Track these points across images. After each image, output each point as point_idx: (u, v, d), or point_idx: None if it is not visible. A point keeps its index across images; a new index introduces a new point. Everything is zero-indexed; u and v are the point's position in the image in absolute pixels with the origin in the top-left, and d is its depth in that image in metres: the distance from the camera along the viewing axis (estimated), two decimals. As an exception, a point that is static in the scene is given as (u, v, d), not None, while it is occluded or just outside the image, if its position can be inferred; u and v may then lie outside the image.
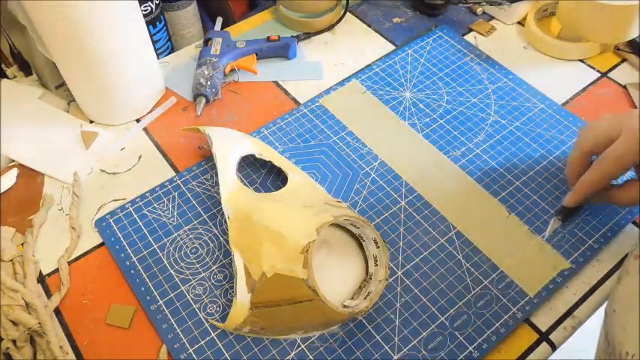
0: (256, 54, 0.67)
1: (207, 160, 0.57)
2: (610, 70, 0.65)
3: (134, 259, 0.50)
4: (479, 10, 0.72)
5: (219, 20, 0.72)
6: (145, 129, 0.61)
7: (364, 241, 0.48)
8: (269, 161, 0.55)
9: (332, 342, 0.45)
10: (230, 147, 0.54)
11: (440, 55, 0.67)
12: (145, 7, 0.65)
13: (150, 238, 0.51)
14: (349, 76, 0.65)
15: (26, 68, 0.65)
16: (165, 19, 0.70)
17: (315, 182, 0.55)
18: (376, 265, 0.47)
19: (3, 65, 0.65)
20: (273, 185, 0.55)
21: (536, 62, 0.67)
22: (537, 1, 0.70)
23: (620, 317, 0.37)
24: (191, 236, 0.52)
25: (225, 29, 0.71)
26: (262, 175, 0.56)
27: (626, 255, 0.47)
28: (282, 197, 0.51)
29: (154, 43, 0.68)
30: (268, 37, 0.67)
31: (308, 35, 0.70)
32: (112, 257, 0.51)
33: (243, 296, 0.44)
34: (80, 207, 0.55)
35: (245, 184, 0.54)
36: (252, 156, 0.54)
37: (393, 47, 0.69)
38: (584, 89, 0.63)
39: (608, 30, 0.64)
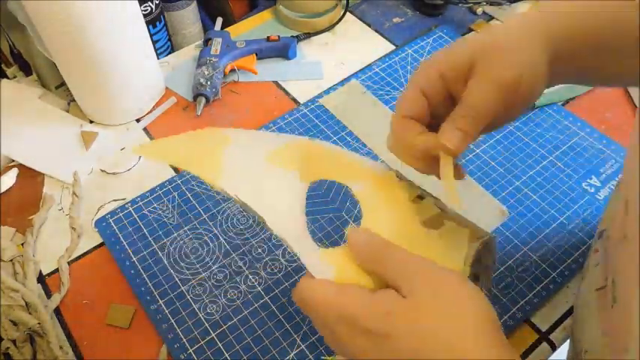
0: (256, 54, 0.67)
1: (207, 160, 0.57)
2: (610, 70, 0.65)
3: (134, 259, 0.50)
4: (479, 10, 0.72)
5: (219, 20, 0.72)
6: (145, 129, 0.61)
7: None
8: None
9: (332, 342, 0.45)
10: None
11: (440, 55, 0.67)
12: (144, 7, 0.65)
13: (150, 238, 0.51)
14: (349, 76, 0.65)
15: (26, 68, 0.65)
16: (165, 19, 0.70)
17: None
18: None
19: (3, 65, 0.65)
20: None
21: (536, 62, 0.66)
22: (537, 1, 0.70)
23: (578, 314, 0.37)
24: (191, 236, 0.52)
25: (225, 29, 0.71)
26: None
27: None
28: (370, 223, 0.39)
29: (154, 43, 0.68)
30: (268, 37, 0.67)
31: (308, 35, 0.69)
32: (112, 257, 0.51)
33: None
34: (80, 207, 0.55)
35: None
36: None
37: (393, 47, 0.69)
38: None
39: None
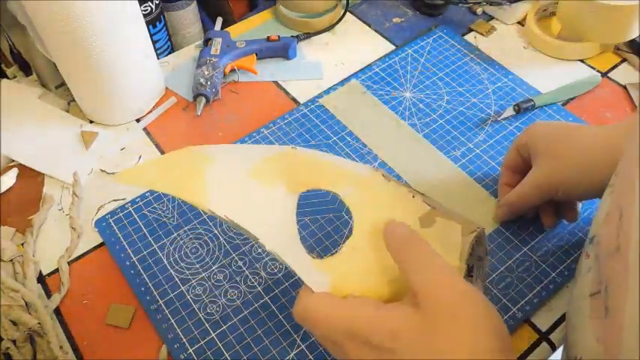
0: (256, 54, 0.67)
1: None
2: (610, 70, 0.65)
3: (134, 259, 0.50)
4: (479, 10, 0.72)
5: (219, 20, 0.72)
6: (144, 129, 0.61)
7: None
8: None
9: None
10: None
11: (440, 55, 0.67)
12: (144, 7, 0.65)
13: (150, 238, 0.51)
14: (349, 76, 0.65)
15: (26, 68, 0.65)
16: (165, 19, 0.70)
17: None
18: None
19: (3, 65, 0.65)
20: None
21: (536, 62, 0.66)
22: (537, 1, 0.70)
23: (572, 320, 0.37)
24: (191, 236, 0.52)
25: (225, 29, 0.71)
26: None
27: None
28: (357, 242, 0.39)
29: (154, 43, 0.68)
30: (268, 37, 0.67)
31: (308, 35, 0.69)
32: (112, 257, 0.51)
33: None
34: (80, 207, 0.55)
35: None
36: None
37: (393, 47, 0.69)
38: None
39: (608, 30, 0.63)
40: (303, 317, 0.35)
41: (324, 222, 0.52)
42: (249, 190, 0.41)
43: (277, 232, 0.39)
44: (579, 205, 0.50)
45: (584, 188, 0.44)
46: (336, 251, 0.38)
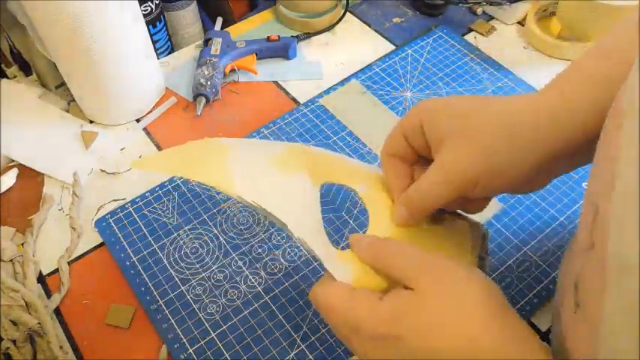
0: (256, 54, 0.67)
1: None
2: (610, 70, 0.65)
3: (134, 259, 0.50)
4: (479, 10, 0.72)
5: (219, 20, 0.72)
6: (144, 129, 0.61)
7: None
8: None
9: (332, 341, 0.45)
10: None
11: (440, 55, 0.67)
12: (144, 7, 0.65)
13: (150, 238, 0.51)
14: (349, 76, 0.65)
15: (26, 68, 0.65)
16: (165, 19, 0.70)
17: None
18: None
19: (3, 65, 0.65)
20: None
21: (536, 62, 0.66)
22: (537, 1, 0.70)
23: (553, 314, 0.37)
24: (191, 236, 0.52)
25: (225, 29, 0.71)
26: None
27: None
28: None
29: (154, 43, 0.68)
30: (268, 37, 0.67)
31: (308, 35, 0.69)
32: (112, 257, 0.51)
33: None
34: (80, 207, 0.55)
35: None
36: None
37: (393, 47, 0.69)
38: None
39: (608, 30, 0.63)
40: (317, 304, 0.35)
41: (324, 222, 0.52)
42: (273, 178, 0.40)
43: (304, 221, 0.39)
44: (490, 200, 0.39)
45: (510, 179, 0.33)
46: (344, 241, 0.38)
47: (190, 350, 0.45)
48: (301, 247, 0.47)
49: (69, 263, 0.51)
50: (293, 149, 0.43)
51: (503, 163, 0.32)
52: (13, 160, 0.58)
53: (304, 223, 0.38)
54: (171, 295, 0.48)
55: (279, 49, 0.67)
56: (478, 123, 0.33)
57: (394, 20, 0.73)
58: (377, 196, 0.41)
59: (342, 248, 0.42)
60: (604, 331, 0.22)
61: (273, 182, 0.40)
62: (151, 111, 0.63)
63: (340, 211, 0.53)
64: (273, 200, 0.38)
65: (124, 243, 0.51)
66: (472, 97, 0.36)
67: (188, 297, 0.48)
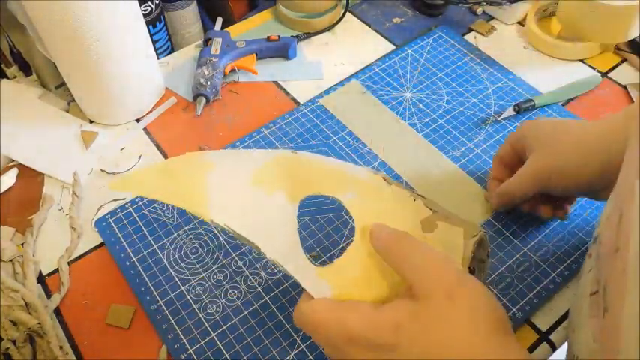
0: (256, 54, 0.67)
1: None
2: (610, 70, 0.65)
3: (134, 259, 0.50)
4: (479, 10, 0.72)
5: (219, 20, 0.72)
6: (145, 129, 0.61)
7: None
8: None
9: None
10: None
11: (440, 55, 0.67)
12: (144, 7, 0.65)
13: (150, 238, 0.51)
14: (349, 76, 0.65)
15: (26, 68, 0.65)
16: (165, 19, 0.70)
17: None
18: None
19: (3, 65, 0.65)
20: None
21: (536, 62, 0.67)
22: (537, 1, 0.70)
23: (573, 318, 0.37)
24: (191, 236, 0.52)
25: (225, 29, 0.71)
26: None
27: None
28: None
29: (154, 43, 0.68)
30: (268, 37, 0.67)
31: (308, 35, 0.69)
32: (112, 257, 0.51)
33: None
34: (80, 207, 0.55)
35: None
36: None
37: (393, 47, 0.69)
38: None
39: (608, 30, 0.63)
40: (303, 322, 0.35)
41: (324, 222, 0.52)
42: (250, 198, 0.40)
43: (278, 240, 0.39)
44: (570, 207, 0.50)
45: (575, 178, 0.44)
46: (337, 255, 0.38)
47: (190, 350, 0.45)
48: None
49: (69, 263, 0.51)
50: (278, 159, 0.42)
51: (570, 165, 0.43)
52: (13, 160, 0.58)
53: (278, 243, 0.38)
54: (171, 295, 0.48)
55: (279, 49, 0.67)
56: (557, 137, 0.45)
57: (394, 20, 0.73)
58: (363, 204, 0.40)
59: (339, 254, 0.41)
60: (624, 334, 0.22)
61: (249, 202, 0.40)
62: (150, 111, 0.63)
63: (340, 211, 0.52)
64: (246, 222, 0.39)
65: (124, 243, 0.51)
66: (563, 120, 0.48)
67: (188, 297, 0.48)
